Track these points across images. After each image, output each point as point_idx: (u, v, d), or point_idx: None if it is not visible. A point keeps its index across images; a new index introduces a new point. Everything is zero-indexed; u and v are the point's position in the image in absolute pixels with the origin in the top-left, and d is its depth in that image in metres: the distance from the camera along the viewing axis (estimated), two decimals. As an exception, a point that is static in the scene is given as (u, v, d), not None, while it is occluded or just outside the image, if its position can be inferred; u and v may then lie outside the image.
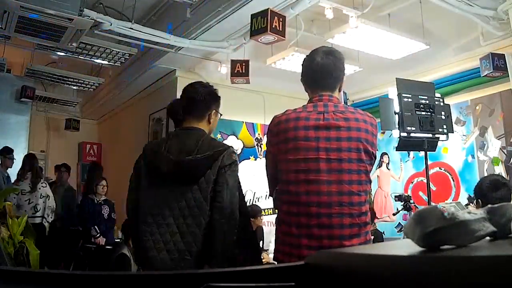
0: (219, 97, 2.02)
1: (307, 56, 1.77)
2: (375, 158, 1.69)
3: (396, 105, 3.34)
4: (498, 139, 4.74)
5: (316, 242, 1.55)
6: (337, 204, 1.56)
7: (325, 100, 1.68)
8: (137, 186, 1.86)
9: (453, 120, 5.05)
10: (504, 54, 4.23)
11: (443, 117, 3.44)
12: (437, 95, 3.56)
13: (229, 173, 1.78)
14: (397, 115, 3.31)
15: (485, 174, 4.61)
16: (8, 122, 5.56)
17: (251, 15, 3.46)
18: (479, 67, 4.36)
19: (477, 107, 4.99)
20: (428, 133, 3.36)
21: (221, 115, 2.02)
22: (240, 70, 4.31)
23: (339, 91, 1.76)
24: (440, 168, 5.31)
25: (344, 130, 1.61)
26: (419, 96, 3.35)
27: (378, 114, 3.41)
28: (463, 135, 5.10)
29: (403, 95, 3.30)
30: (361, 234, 1.58)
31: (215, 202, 1.74)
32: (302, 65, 1.78)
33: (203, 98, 1.93)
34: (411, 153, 5.49)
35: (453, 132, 3.74)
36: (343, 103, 1.79)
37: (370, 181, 1.68)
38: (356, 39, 4.09)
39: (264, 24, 3.36)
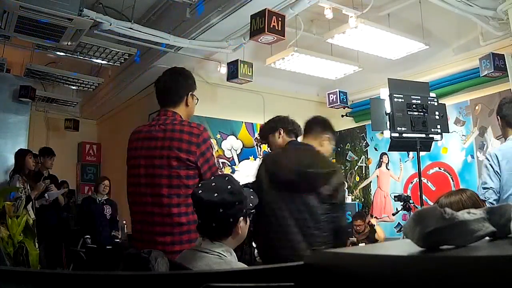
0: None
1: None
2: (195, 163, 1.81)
3: (387, 106, 3.33)
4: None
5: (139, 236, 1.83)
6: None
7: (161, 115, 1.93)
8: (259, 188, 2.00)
9: (453, 120, 5.08)
10: (503, 54, 4.23)
11: (437, 117, 3.42)
12: (432, 94, 3.54)
13: (342, 191, 2.01)
14: (387, 116, 3.30)
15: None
16: (7, 122, 5.53)
17: (251, 15, 3.46)
18: (478, 67, 4.36)
19: (477, 107, 4.99)
20: (421, 133, 3.34)
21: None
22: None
23: (187, 105, 1.95)
24: (439, 168, 5.31)
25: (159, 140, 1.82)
26: (412, 96, 3.34)
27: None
28: (463, 135, 5.10)
29: (394, 95, 3.30)
30: (174, 233, 1.72)
31: (333, 213, 1.93)
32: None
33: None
34: (411, 153, 5.49)
35: (448, 132, 3.72)
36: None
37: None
38: (355, 39, 4.09)
39: (263, 24, 3.36)
